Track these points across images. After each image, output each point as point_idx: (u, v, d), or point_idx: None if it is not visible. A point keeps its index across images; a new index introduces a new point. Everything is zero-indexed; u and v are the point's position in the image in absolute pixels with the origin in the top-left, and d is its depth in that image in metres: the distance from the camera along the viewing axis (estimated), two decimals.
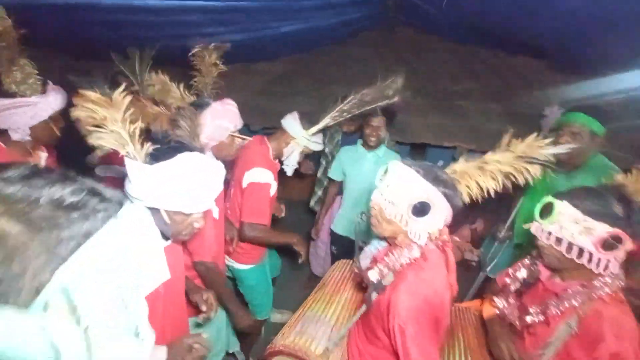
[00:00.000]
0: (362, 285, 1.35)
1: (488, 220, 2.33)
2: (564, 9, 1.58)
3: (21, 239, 0.38)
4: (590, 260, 0.93)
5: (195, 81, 1.79)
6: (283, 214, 2.13)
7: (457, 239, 2.66)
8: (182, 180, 0.95)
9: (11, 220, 0.38)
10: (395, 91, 1.63)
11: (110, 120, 0.92)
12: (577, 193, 0.98)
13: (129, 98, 0.96)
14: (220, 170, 1.06)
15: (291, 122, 1.76)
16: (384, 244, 1.22)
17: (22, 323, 0.36)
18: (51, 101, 1.50)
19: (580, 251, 0.94)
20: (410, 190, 0.98)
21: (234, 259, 1.89)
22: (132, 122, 0.95)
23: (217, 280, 1.49)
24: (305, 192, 3.50)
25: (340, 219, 2.35)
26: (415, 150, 2.98)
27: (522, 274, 1.16)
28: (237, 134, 1.58)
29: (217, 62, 1.73)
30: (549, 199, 1.02)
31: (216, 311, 1.32)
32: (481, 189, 1.10)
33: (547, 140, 1.10)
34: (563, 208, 0.96)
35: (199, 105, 1.51)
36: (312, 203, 2.81)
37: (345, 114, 1.68)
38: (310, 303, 1.41)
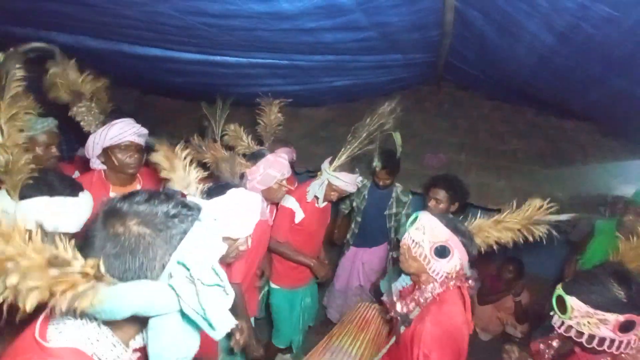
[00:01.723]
0: (385, 324, 1.54)
1: (534, 292, 2.19)
2: (615, 82, 1.58)
3: (151, 237, 0.61)
4: (611, 346, 1.00)
5: (258, 129, 2.03)
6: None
7: (499, 312, 2.51)
8: (230, 210, 1.18)
9: (143, 226, 0.61)
10: (388, 115, 1.82)
11: (176, 168, 1.12)
12: (582, 286, 1.05)
13: (186, 150, 1.18)
14: (258, 201, 1.29)
15: (325, 162, 2.00)
16: (409, 280, 1.36)
17: (157, 286, 0.59)
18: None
19: (602, 340, 1.01)
20: (434, 234, 1.18)
21: (272, 280, 2.19)
22: (190, 167, 1.15)
23: (240, 304, 1.59)
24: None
25: None
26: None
27: (556, 343, 1.22)
28: (283, 182, 1.74)
29: (279, 115, 1.95)
30: (559, 291, 1.08)
31: (252, 340, 1.50)
32: (495, 241, 1.31)
33: (553, 209, 1.26)
34: (574, 303, 1.03)
35: (256, 156, 1.71)
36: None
37: (353, 143, 1.88)
38: (337, 336, 1.57)
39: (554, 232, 1.29)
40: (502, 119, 3.34)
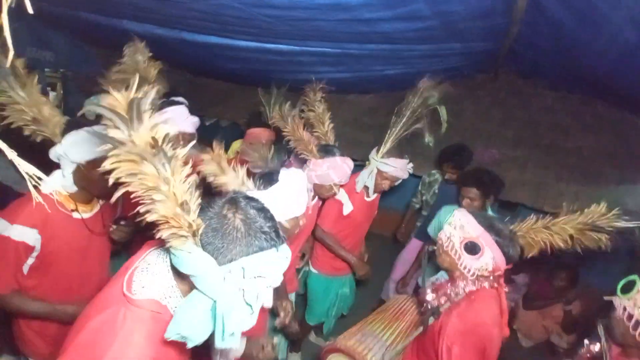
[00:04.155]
0: (419, 314, 1.54)
1: (587, 303, 2.04)
2: None
3: (241, 234, 0.70)
4: None
5: (314, 131, 1.96)
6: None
7: (545, 320, 2.38)
8: (287, 193, 1.21)
9: (242, 224, 0.71)
10: (430, 89, 1.79)
11: (226, 170, 1.16)
12: None
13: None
14: (305, 180, 1.35)
15: (372, 151, 1.97)
16: (446, 276, 1.35)
17: (215, 269, 0.68)
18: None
19: None
20: (465, 230, 1.17)
21: (311, 263, 2.25)
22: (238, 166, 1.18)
23: (282, 285, 1.62)
24: (387, 226, 3.56)
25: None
26: (505, 208, 2.75)
27: (596, 347, 1.22)
28: (337, 185, 1.73)
29: (321, 100, 1.90)
30: (634, 277, 1.08)
31: (291, 319, 1.53)
32: (547, 246, 1.29)
33: (617, 212, 1.22)
34: None
35: (326, 151, 1.70)
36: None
37: (398, 124, 1.86)
38: (371, 321, 1.61)
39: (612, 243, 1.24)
40: (568, 111, 3.04)
